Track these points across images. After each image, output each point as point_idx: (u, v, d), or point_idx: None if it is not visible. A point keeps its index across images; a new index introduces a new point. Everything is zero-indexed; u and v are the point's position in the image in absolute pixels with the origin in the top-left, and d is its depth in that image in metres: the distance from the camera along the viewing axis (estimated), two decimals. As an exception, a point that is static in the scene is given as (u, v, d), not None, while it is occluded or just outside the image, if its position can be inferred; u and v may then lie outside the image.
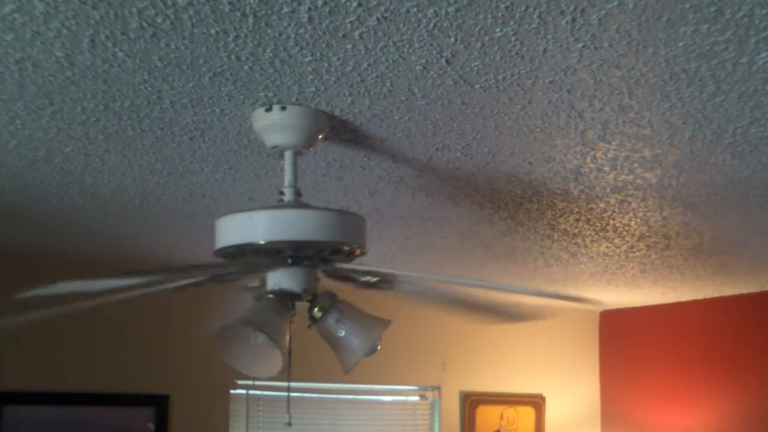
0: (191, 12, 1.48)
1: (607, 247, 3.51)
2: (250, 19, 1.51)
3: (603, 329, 5.56)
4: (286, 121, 1.94)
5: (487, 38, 1.59)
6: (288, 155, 1.99)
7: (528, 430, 5.23)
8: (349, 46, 1.63)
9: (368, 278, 2.00)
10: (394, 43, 1.61)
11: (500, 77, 1.77)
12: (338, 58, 1.68)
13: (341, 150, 2.29)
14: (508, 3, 1.45)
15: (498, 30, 1.55)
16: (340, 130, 2.12)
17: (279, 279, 1.92)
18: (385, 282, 2.01)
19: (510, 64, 1.71)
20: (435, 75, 1.76)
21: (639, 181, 2.56)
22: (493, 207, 2.90)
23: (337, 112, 1.99)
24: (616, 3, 1.45)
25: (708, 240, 3.34)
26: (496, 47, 1.62)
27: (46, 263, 3.99)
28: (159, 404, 4.27)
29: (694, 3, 1.44)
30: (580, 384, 5.45)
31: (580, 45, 1.61)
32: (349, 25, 1.53)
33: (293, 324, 1.90)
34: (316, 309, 1.93)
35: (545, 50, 1.64)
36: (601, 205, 2.86)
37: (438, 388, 5.05)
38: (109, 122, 2.08)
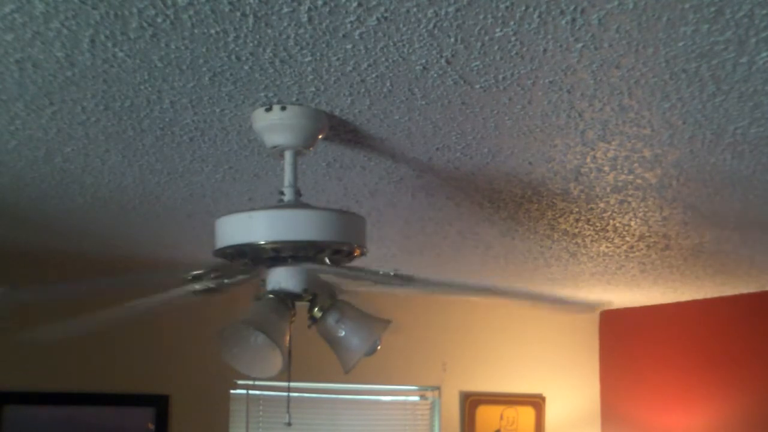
0: (191, 12, 1.48)
1: (607, 247, 3.52)
2: (250, 19, 1.51)
3: (603, 329, 5.56)
4: (286, 121, 1.94)
5: (487, 38, 1.59)
6: (288, 155, 1.99)
7: (528, 430, 5.23)
8: (349, 46, 1.63)
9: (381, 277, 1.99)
10: (394, 43, 1.61)
11: (500, 77, 1.77)
12: (338, 58, 1.68)
13: (341, 150, 2.29)
14: (508, 3, 1.45)
15: (498, 30, 1.55)
16: (340, 130, 2.12)
17: (279, 279, 1.92)
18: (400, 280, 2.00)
19: (510, 64, 1.71)
20: (435, 75, 1.77)
21: (639, 181, 2.56)
22: (493, 207, 2.91)
23: (337, 112, 1.99)
24: (616, 3, 1.45)
25: (708, 240, 3.34)
26: (496, 47, 1.62)
27: (46, 263, 3.99)
28: (159, 404, 4.27)
29: (694, 3, 1.44)
30: (580, 384, 5.45)
31: (580, 45, 1.61)
32: (349, 25, 1.54)
33: (293, 324, 1.90)
34: (316, 309, 1.93)
35: (545, 50, 1.64)
36: (601, 205, 2.86)
37: (438, 388, 5.05)
38: (109, 122, 2.08)
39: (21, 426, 3.99)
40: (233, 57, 1.68)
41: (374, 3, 1.45)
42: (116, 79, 1.79)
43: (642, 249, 3.54)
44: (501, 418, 5.18)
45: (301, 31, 1.56)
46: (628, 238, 3.35)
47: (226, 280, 1.98)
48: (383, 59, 1.68)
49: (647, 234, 3.26)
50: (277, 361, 1.81)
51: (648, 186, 2.62)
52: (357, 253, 1.92)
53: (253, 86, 1.83)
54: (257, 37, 1.58)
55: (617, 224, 3.13)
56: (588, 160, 2.36)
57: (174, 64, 1.71)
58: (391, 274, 1.96)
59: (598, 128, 2.10)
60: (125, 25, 1.53)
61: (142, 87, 1.84)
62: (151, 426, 4.25)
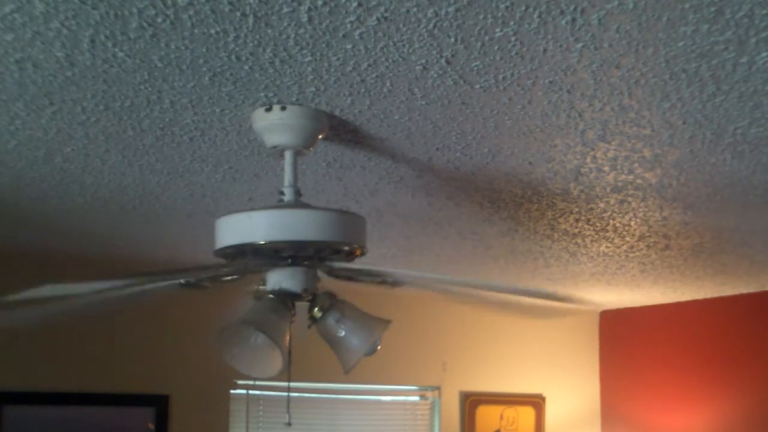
0: (191, 12, 1.48)
1: (607, 247, 3.52)
2: (250, 19, 1.51)
3: (603, 329, 5.56)
4: (286, 121, 1.94)
5: (487, 38, 1.59)
6: (288, 155, 1.99)
7: (528, 430, 5.23)
8: (349, 46, 1.63)
9: (371, 278, 1.99)
10: (394, 43, 1.61)
11: (500, 77, 1.77)
12: (338, 58, 1.68)
13: (341, 150, 2.29)
14: (508, 3, 1.45)
15: (498, 30, 1.55)
16: (340, 130, 2.12)
17: (279, 279, 1.92)
18: (389, 281, 2.01)
19: (510, 64, 1.71)
20: (435, 75, 1.77)
21: (639, 181, 2.56)
22: (493, 207, 2.90)
23: (337, 112, 1.99)
24: (616, 3, 1.45)
25: (708, 240, 3.34)
26: (496, 47, 1.62)
27: (46, 263, 3.99)
28: (159, 404, 4.27)
29: (694, 3, 1.44)
30: (580, 384, 5.45)
31: (580, 45, 1.61)
32: (349, 25, 1.54)
33: (293, 324, 1.90)
34: (316, 309, 1.93)
35: (545, 50, 1.64)
36: (601, 205, 2.86)
37: (438, 388, 5.05)
38: (109, 122, 2.08)
39: (21, 426, 3.99)
40: (233, 57, 1.68)
41: (374, 3, 1.45)
42: (116, 79, 1.79)
43: (642, 249, 3.54)
44: (501, 418, 5.18)
45: (301, 31, 1.56)
46: (628, 238, 3.35)
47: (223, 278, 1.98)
48: (383, 59, 1.68)
49: (647, 234, 3.26)
50: (277, 361, 1.81)
51: (648, 186, 2.62)
52: (357, 253, 1.92)
53: (253, 86, 1.83)
54: (257, 37, 1.58)
55: (617, 224, 3.13)
56: (588, 160, 2.36)
57: (174, 64, 1.71)
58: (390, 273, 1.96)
59: (598, 128, 2.10)
60: (125, 25, 1.53)
61: (142, 87, 1.84)
62: (151, 426, 4.25)
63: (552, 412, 5.30)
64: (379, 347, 2.00)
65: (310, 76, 1.78)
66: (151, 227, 3.27)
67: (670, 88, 1.83)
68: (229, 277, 1.98)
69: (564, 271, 4.08)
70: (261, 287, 1.96)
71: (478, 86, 1.83)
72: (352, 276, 1.99)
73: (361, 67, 1.73)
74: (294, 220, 1.85)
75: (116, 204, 2.91)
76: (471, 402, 5.10)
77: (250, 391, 4.49)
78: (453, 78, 1.78)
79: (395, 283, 2.02)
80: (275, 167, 2.44)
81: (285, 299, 1.91)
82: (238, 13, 1.49)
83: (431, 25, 1.53)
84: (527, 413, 5.24)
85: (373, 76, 1.77)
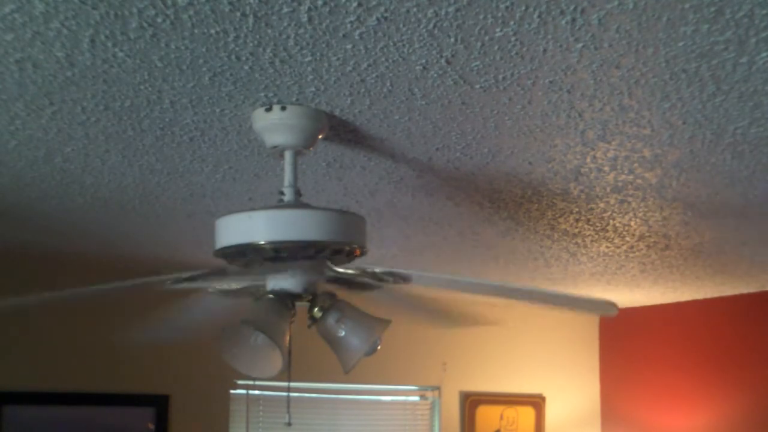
0: (191, 12, 1.48)
1: (607, 247, 3.52)
2: (250, 19, 1.51)
3: (603, 329, 5.56)
4: (286, 121, 1.94)
5: (487, 38, 1.59)
6: (288, 155, 1.99)
7: (528, 430, 5.23)
8: (349, 46, 1.63)
9: (370, 278, 1.99)
10: (394, 43, 1.61)
11: (500, 77, 1.77)
12: (338, 58, 1.68)
13: (341, 150, 2.29)
14: (508, 3, 1.45)
15: (498, 30, 1.55)
16: (340, 130, 2.12)
17: (279, 279, 1.92)
18: (383, 280, 2.01)
19: (510, 64, 1.71)
20: (435, 75, 1.77)
21: (639, 181, 2.56)
22: (493, 207, 2.91)
23: (337, 112, 1.99)
24: (616, 3, 1.45)
25: (708, 240, 3.34)
26: (496, 47, 1.63)
27: (46, 263, 3.99)
28: (159, 404, 4.27)
29: (694, 3, 1.44)
30: (580, 384, 5.45)
31: (580, 45, 1.61)
32: (349, 25, 1.54)
33: (293, 324, 1.90)
34: (316, 309, 1.93)
35: (545, 50, 1.64)
36: (601, 205, 2.86)
37: (438, 388, 5.05)
38: (109, 122, 2.08)
39: (21, 426, 3.99)
40: (233, 57, 1.68)
41: (374, 3, 1.45)
42: (116, 79, 1.79)
43: (642, 249, 3.54)
44: (501, 418, 5.18)
45: (301, 31, 1.56)
46: (628, 238, 3.35)
47: (230, 285, 1.98)
48: (383, 59, 1.68)
49: (647, 234, 3.26)
50: (277, 361, 1.81)
51: (648, 186, 2.62)
52: (357, 253, 1.92)
53: (253, 86, 1.83)
54: (257, 37, 1.58)
55: (617, 224, 3.13)
56: (588, 160, 2.36)
57: (174, 64, 1.71)
58: (390, 273, 1.96)
59: (598, 128, 2.10)
60: (125, 25, 1.53)
61: (142, 87, 1.84)
62: (151, 426, 4.25)
63: (552, 412, 5.30)
64: (379, 347, 2.00)
65: (310, 76, 1.78)
66: (151, 227, 3.27)
67: (670, 88, 1.83)
68: (230, 278, 1.98)
69: (564, 271, 4.09)
70: (261, 287, 1.96)
71: (478, 86, 1.83)
72: (353, 280, 1.99)
73: (361, 67, 1.73)
74: (294, 220, 1.85)
75: (116, 204, 2.91)
76: (471, 402, 5.10)
77: (250, 391, 4.49)
78: (453, 78, 1.78)
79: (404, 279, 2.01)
80: (275, 167, 2.44)
81: (285, 299, 1.91)
82: (238, 13, 1.49)
83: (431, 25, 1.53)
84: (527, 413, 5.24)
85: (373, 76, 1.77)
